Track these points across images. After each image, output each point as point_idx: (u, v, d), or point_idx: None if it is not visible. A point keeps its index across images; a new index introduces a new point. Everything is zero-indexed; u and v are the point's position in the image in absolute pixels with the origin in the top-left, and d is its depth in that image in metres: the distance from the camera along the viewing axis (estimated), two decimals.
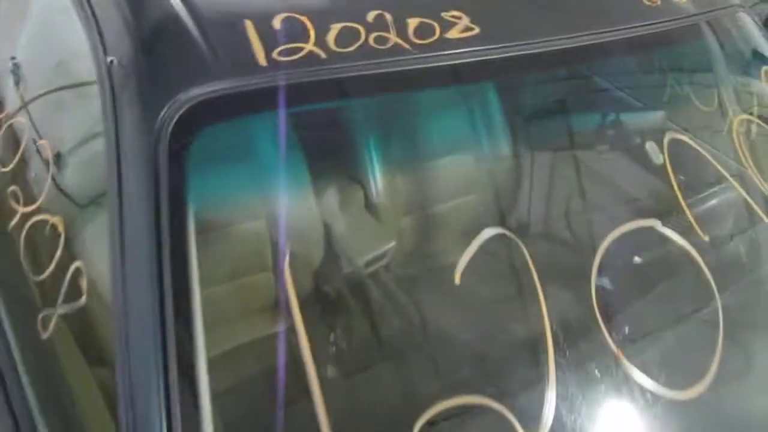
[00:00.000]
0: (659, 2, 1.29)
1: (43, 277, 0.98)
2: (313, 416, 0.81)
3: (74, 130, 1.03)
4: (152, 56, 0.90)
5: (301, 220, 1.10)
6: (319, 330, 1.06)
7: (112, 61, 0.90)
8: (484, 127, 1.21)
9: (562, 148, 1.26)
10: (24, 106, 1.17)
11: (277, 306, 0.97)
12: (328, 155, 1.11)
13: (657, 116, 1.33)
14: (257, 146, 0.98)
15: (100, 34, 0.95)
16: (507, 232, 1.03)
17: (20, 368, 1.01)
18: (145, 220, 0.80)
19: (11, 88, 1.22)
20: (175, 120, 0.84)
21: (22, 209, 1.05)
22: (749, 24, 1.43)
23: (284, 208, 1.02)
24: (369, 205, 1.22)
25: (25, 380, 1.00)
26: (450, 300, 1.12)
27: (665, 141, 1.19)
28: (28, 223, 1.02)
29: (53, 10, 1.15)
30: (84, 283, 0.90)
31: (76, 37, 0.99)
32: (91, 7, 0.99)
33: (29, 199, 1.04)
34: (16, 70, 1.21)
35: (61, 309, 0.93)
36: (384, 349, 1.15)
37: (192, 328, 0.79)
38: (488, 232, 1.01)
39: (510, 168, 1.24)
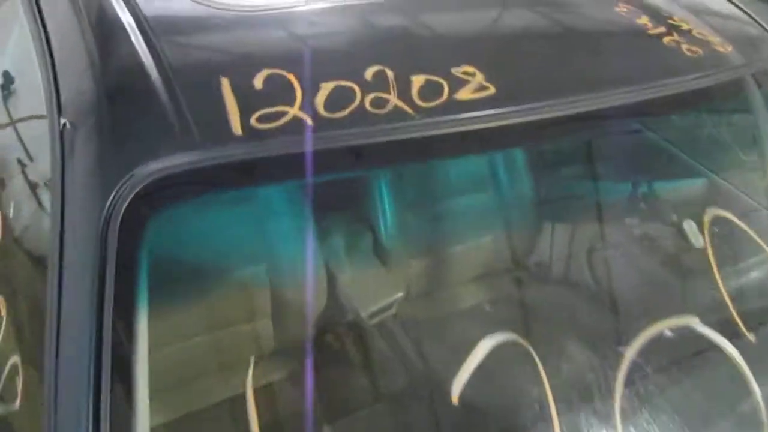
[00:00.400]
0: (701, 51, 1.14)
1: None
2: None
3: (19, 191, 0.91)
4: (110, 119, 0.77)
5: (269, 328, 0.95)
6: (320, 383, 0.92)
7: (65, 124, 0.78)
8: (499, 205, 1.06)
9: (586, 223, 1.11)
10: None
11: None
12: (308, 243, 0.97)
13: (697, 188, 1.17)
14: (225, 233, 0.84)
15: (57, 90, 0.83)
16: (516, 337, 0.88)
17: None
18: (86, 325, 0.68)
19: None
20: (129, 199, 0.71)
21: None
22: None
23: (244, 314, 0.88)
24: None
25: None
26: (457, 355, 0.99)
27: (706, 219, 1.03)
28: None
29: (18, 54, 1.04)
30: (20, 385, 0.77)
31: (35, 88, 0.88)
32: (52, 59, 0.87)
33: None
34: None
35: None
36: (385, 405, 1.01)
37: None
38: (495, 339, 0.86)
39: (528, 252, 1.09)
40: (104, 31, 0.88)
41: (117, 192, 0.71)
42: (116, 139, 0.76)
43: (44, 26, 0.92)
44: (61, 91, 0.82)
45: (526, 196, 1.06)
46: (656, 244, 1.12)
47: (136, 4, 0.90)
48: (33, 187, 0.86)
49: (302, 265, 0.91)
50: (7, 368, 0.80)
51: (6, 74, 1.07)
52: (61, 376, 0.67)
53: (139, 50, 0.83)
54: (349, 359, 1.02)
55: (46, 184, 0.79)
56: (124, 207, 0.71)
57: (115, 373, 0.66)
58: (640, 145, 1.14)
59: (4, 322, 0.83)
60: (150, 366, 0.68)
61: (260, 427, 0.79)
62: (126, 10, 0.89)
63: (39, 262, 0.80)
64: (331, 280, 0.97)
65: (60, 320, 0.69)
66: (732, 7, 1.36)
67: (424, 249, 1.03)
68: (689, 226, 1.05)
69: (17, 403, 0.77)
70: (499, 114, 0.89)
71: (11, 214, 0.90)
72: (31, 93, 0.89)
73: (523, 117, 0.90)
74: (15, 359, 0.79)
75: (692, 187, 1.18)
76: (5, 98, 1.06)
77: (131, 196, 0.71)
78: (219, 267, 0.85)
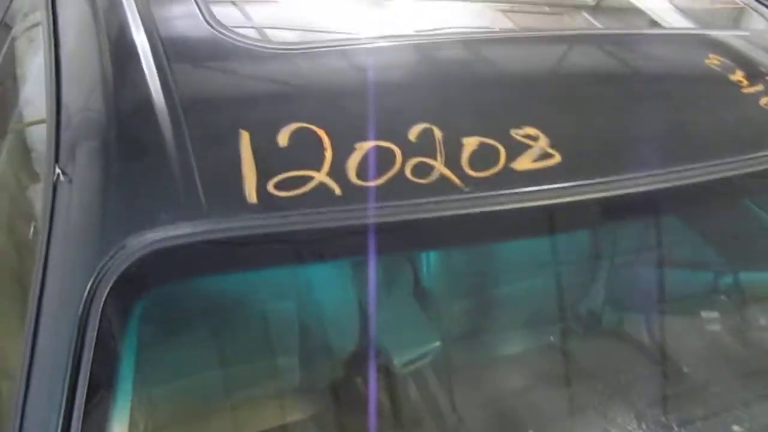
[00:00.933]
0: None
1: None
2: None
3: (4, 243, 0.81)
4: (105, 175, 0.67)
5: None
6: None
7: (59, 174, 0.68)
8: (563, 300, 0.90)
9: (663, 314, 0.94)
10: None
11: None
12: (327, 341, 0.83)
13: None
14: (232, 319, 0.72)
15: (58, 130, 0.73)
16: None
17: None
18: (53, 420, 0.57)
19: None
20: (117, 275, 0.60)
21: None
22: None
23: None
24: None
25: None
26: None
27: None
28: None
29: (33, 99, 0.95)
30: None
31: (40, 135, 0.78)
32: (59, 98, 0.77)
33: None
34: None
35: None
36: None
37: None
38: None
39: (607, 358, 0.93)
40: (117, 60, 0.78)
41: (104, 265, 0.60)
42: (110, 199, 0.65)
43: (57, 59, 0.82)
44: (62, 133, 0.72)
45: (597, 287, 0.91)
46: (739, 345, 0.95)
47: (157, 34, 0.80)
48: (19, 245, 0.77)
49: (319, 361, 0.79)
50: None
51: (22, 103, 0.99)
52: None
53: (153, 92, 0.72)
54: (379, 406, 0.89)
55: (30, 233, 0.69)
56: (110, 285, 0.60)
57: None
58: (731, 227, 0.97)
59: None
60: None
61: None
62: (144, 41, 0.79)
63: (14, 325, 0.70)
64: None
65: (23, 418, 0.58)
66: None
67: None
68: None
69: None
70: (565, 189, 0.75)
71: None
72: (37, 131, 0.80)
73: (596, 193, 0.76)
74: None
75: None
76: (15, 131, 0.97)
77: (120, 271, 0.60)
78: (216, 363, 0.73)
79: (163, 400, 0.67)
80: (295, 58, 0.82)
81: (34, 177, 0.82)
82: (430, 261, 0.83)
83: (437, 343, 0.86)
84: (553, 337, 0.90)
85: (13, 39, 1.12)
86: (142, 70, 0.74)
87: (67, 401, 0.57)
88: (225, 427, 0.73)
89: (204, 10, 0.88)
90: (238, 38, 0.83)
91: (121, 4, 0.85)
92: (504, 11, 1.12)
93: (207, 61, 0.80)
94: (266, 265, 0.66)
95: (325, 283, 0.78)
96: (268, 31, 0.92)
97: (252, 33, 0.89)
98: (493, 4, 1.18)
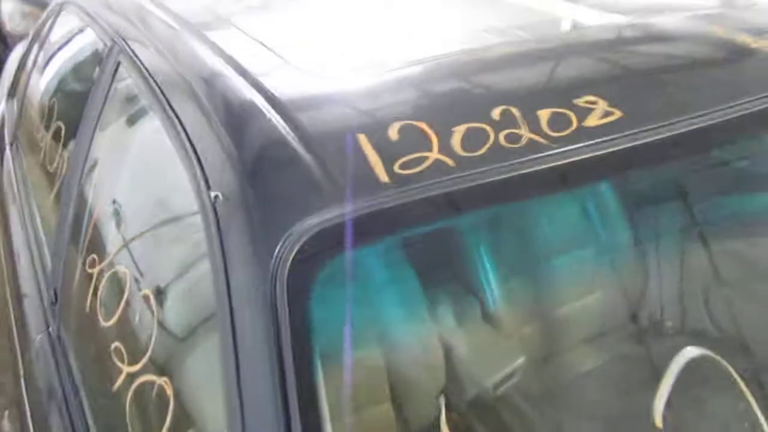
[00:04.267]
0: None
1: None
2: None
3: (177, 273, 0.93)
4: (260, 187, 0.80)
5: (434, 356, 0.92)
6: None
7: (216, 197, 0.81)
8: (639, 223, 1.02)
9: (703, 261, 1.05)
10: (125, 245, 1.10)
11: None
12: (464, 275, 0.94)
13: None
14: (388, 274, 0.84)
15: (202, 168, 0.86)
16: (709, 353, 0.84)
17: None
18: (267, 370, 0.67)
19: (113, 233, 1.15)
20: (292, 255, 0.72)
21: (126, 368, 0.94)
22: None
23: (418, 344, 0.87)
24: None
25: None
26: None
27: None
28: (134, 385, 0.91)
29: (152, 149, 1.10)
30: None
31: (176, 174, 0.91)
32: (190, 142, 0.91)
33: (134, 357, 0.94)
34: (117, 213, 1.14)
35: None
36: None
37: None
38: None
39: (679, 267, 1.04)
40: (237, 115, 0.92)
41: (280, 249, 0.72)
42: (270, 202, 0.77)
43: (179, 121, 0.96)
44: (206, 168, 0.85)
45: (669, 217, 1.02)
46: None
47: (262, 86, 0.95)
48: (188, 260, 0.89)
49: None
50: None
51: (145, 161, 1.13)
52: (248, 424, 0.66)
53: (276, 124, 0.86)
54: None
55: (202, 256, 0.81)
56: (288, 263, 0.71)
57: (303, 415, 0.65)
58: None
59: (172, 400, 0.83)
60: (331, 404, 0.67)
61: None
62: (254, 92, 0.93)
63: (206, 337, 0.81)
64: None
65: (241, 392, 0.68)
66: None
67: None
68: None
69: None
70: (631, 135, 0.88)
71: (170, 289, 0.92)
72: (172, 173, 0.93)
73: (655, 135, 0.89)
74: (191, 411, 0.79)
75: None
76: (146, 184, 1.11)
77: (294, 251, 0.72)
78: (385, 312, 0.84)
79: (341, 344, 0.77)
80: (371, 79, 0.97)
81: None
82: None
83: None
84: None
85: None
86: (265, 116, 0.88)
87: (278, 367, 0.67)
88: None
89: (286, 58, 1.04)
90: (326, 73, 0.98)
91: (226, 75, 1.00)
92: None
93: (308, 94, 0.94)
94: (407, 228, 0.77)
95: (459, 241, 0.90)
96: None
97: (334, 66, 1.04)
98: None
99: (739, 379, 0.84)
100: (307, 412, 0.67)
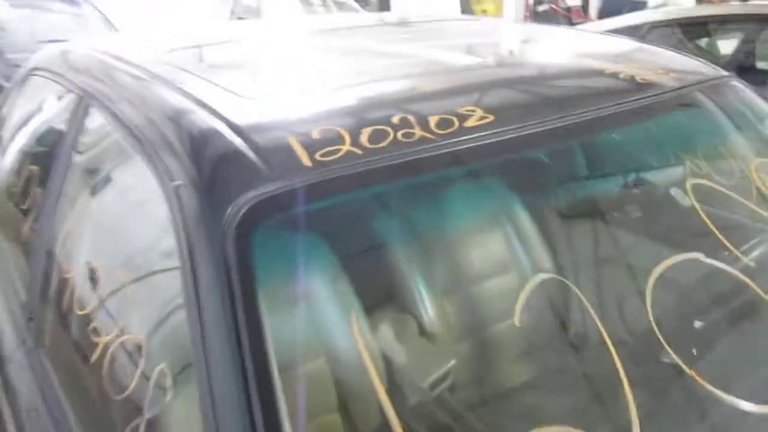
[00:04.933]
0: (648, 78, 1.42)
1: (127, 393, 1.03)
2: None
3: (146, 248, 1.14)
4: (211, 174, 1.03)
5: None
6: None
7: (179, 185, 1.03)
8: (509, 202, 1.30)
9: (593, 207, 1.34)
10: (94, 246, 1.30)
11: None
12: (370, 237, 1.20)
13: (675, 168, 1.42)
14: (312, 234, 1.07)
15: (166, 166, 1.08)
16: (559, 277, 1.08)
17: None
18: (221, 303, 0.88)
19: (83, 243, 1.36)
20: (237, 220, 0.94)
21: (103, 339, 1.13)
22: (742, 89, 1.56)
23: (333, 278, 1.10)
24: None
25: None
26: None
27: (688, 186, 1.27)
28: (110, 350, 1.10)
29: (119, 163, 1.32)
30: (168, 381, 0.96)
31: (139, 174, 1.14)
32: (155, 150, 1.13)
33: (108, 330, 1.13)
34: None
35: (149, 413, 0.98)
36: None
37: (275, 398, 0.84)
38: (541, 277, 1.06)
39: (547, 231, 1.30)
40: (192, 128, 1.15)
41: (227, 217, 0.94)
42: (218, 185, 1.00)
43: (144, 136, 1.19)
44: (170, 167, 1.08)
45: (533, 196, 1.31)
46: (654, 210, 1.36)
47: (211, 107, 1.19)
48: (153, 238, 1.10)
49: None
50: (154, 377, 0.98)
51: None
52: (207, 340, 0.86)
53: (224, 132, 1.09)
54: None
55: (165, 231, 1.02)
56: (234, 227, 0.94)
57: (251, 335, 0.86)
58: (618, 149, 1.40)
59: (144, 349, 1.02)
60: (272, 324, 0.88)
61: None
62: (204, 111, 1.17)
63: (172, 293, 1.01)
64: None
65: (202, 319, 0.89)
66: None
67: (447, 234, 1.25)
68: (676, 192, 1.28)
69: (169, 397, 0.95)
70: (499, 132, 1.15)
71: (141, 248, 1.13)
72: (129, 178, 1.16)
73: (517, 133, 1.17)
74: (162, 365, 0.98)
75: (672, 168, 1.43)
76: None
77: (238, 218, 0.94)
78: (311, 263, 1.07)
79: (279, 282, 0.99)
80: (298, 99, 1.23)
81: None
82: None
83: None
84: None
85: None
86: (215, 127, 1.11)
87: (228, 292, 0.89)
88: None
89: (230, 89, 1.29)
90: (263, 97, 1.24)
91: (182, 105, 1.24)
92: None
93: (249, 112, 1.19)
94: (323, 199, 1.01)
95: (363, 210, 1.14)
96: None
97: (269, 92, 1.30)
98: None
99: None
100: (252, 329, 0.87)
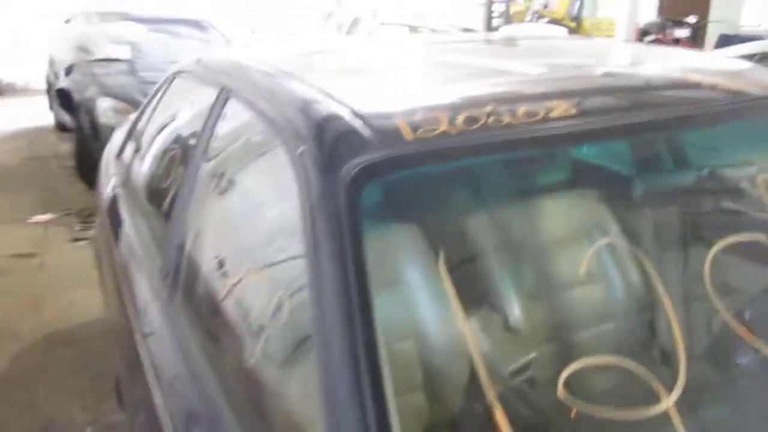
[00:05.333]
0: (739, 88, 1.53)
1: (252, 330, 1.26)
2: None
3: (273, 204, 1.38)
4: (331, 144, 1.24)
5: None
6: None
7: (302, 151, 1.25)
8: (588, 183, 1.45)
9: (671, 195, 1.48)
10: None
11: None
12: (458, 203, 1.39)
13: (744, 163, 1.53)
14: (408, 193, 1.28)
15: (294, 136, 1.31)
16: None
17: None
18: (333, 241, 1.08)
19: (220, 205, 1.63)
20: (350, 178, 1.14)
21: (230, 281, 1.37)
22: None
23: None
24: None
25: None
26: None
27: (759, 180, 1.39)
28: (236, 291, 1.34)
29: (252, 141, 1.57)
30: (287, 307, 1.17)
31: (269, 148, 1.37)
32: (280, 127, 1.37)
33: (235, 274, 1.37)
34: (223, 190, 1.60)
35: (268, 332, 1.19)
36: None
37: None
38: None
39: (625, 208, 1.45)
40: (315, 109, 1.37)
41: (342, 176, 1.15)
42: (337, 154, 1.21)
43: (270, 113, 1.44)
44: (294, 139, 1.30)
45: (612, 179, 1.45)
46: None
47: (328, 91, 1.41)
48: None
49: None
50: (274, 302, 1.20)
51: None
52: (322, 280, 1.06)
53: (345, 115, 1.30)
54: None
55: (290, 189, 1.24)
56: (347, 181, 1.14)
57: (356, 269, 1.05)
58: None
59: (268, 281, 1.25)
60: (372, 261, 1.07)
61: None
62: (325, 97, 1.40)
63: (294, 238, 1.22)
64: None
65: (317, 257, 1.09)
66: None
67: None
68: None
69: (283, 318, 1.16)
70: (581, 122, 1.31)
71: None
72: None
73: (597, 125, 1.32)
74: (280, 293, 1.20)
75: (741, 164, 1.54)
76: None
77: (350, 177, 1.15)
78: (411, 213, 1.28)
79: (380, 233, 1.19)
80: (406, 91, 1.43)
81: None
82: None
83: None
84: None
85: None
86: (336, 111, 1.33)
87: (340, 243, 1.08)
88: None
89: (347, 83, 1.52)
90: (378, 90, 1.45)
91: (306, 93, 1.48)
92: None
93: (367, 100, 1.40)
94: (422, 166, 1.20)
95: (456, 179, 1.33)
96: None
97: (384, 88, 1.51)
98: None
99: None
100: (357, 261, 1.06)
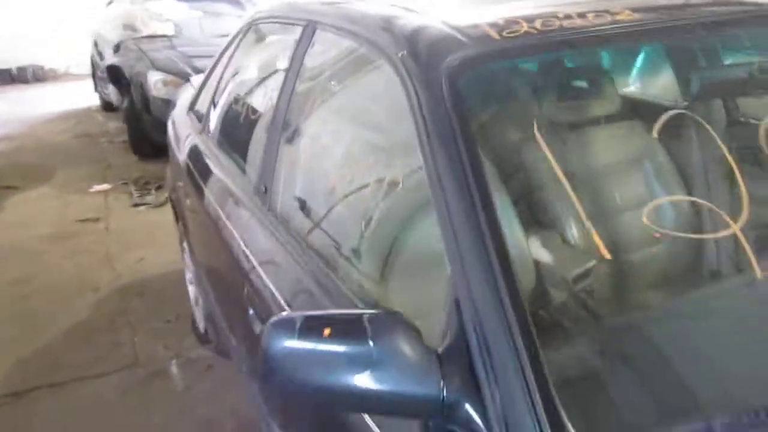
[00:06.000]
0: None
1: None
2: None
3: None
4: (429, 47, 1.43)
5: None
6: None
7: (403, 54, 1.44)
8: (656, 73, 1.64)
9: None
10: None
11: None
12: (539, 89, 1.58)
13: None
14: (498, 83, 1.48)
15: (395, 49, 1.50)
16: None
17: None
18: (440, 124, 1.27)
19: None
20: (451, 69, 1.33)
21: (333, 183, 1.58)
22: None
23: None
24: None
25: None
26: None
27: None
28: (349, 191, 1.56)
29: (350, 63, 1.77)
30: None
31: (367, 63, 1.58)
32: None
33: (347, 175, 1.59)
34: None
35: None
36: None
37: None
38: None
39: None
40: (411, 23, 1.56)
41: (444, 68, 1.34)
42: (435, 53, 1.40)
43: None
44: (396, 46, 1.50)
45: (675, 74, 1.65)
46: None
47: (429, 17, 1.60)
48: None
49: None
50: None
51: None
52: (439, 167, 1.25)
53: (443, 27, 1.49)
54: None
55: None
56: (446, 74, 1.33)
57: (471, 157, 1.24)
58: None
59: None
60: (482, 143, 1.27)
61: None
62: (424, 18, 1.59)
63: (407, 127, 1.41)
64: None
65: (429, 140, 1.28)
66: None
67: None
68: None
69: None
70: (643, 22, 1.49)
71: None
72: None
73: (656, 25, 1.50)
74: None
75: None
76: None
77: (451, 68, 1.34)
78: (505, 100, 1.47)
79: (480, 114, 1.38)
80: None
81: None
82: None
83: None
84: None
85: None
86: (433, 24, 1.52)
87: (450, 128, 1.28)
88: None
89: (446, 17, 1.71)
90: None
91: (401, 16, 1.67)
92: None
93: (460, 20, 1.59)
94: (509, 60, 1.39)
95: (538, 70, 1.52)
96: None
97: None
98: None
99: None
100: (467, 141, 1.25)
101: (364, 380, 1.00)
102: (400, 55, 1.45)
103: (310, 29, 1.97)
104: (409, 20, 1.55)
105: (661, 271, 1.48)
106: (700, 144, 1.54)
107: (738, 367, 1.12)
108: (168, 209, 3.91)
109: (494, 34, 1.41)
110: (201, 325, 3.28)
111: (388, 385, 1.00)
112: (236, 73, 2.58)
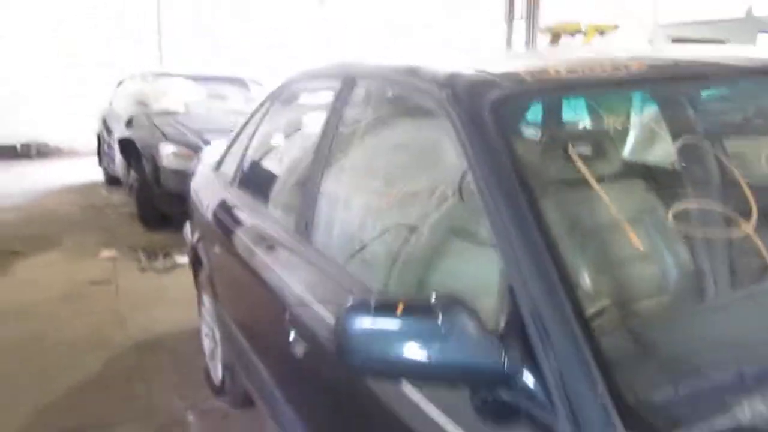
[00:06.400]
0: None
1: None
2: None
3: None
4: (469, 86, 1.64)
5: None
6: None
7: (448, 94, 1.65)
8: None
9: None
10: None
11: None
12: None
13: None
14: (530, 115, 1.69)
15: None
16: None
17: None
18: (485, 148, 1.45)
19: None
20: (490, 105, 1.54)
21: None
22: None
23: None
24: None
25: None
26: None
27: None
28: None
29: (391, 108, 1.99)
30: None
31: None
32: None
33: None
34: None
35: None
36: None
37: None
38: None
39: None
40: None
41: (483, 103, 1.54)
42: (473, 90, 1.61)
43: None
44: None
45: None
46: None
47: (463, 63, 1.83)
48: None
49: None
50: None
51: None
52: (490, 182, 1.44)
53: (481, 73, 1.72)
54: None
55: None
56: (489, 108, 1.53)
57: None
58: None
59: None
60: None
61: None
62: (457, 66, 1.81)
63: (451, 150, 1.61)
64: None
65: (474, 149, 1.47)
66: None
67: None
68: None
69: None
70: (650, 69, 1.72)
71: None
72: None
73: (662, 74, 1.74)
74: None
75: None
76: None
77: (491, 103, 1.54)
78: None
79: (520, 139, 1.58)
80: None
81: None
82: None
83: None
84: None
85: None
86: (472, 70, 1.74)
87: (491, 143, 1.48)
88: None
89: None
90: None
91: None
92: None
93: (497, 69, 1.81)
94: (539, 99, 1.61)
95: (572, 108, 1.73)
96: None
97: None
98: None
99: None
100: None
101: (434, 352, 1.14)
102: (443, 95, 1.65)
103: (349, 82, 2.19)
104: (447, 68, 1.77)
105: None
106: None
107: None
108: (177, 273, 4.05)
109: (527, 76, 1.63)
110: (217, 375, 3.35)
111: (456, 356, 1.14)
112: (271, 128, 2.79)
